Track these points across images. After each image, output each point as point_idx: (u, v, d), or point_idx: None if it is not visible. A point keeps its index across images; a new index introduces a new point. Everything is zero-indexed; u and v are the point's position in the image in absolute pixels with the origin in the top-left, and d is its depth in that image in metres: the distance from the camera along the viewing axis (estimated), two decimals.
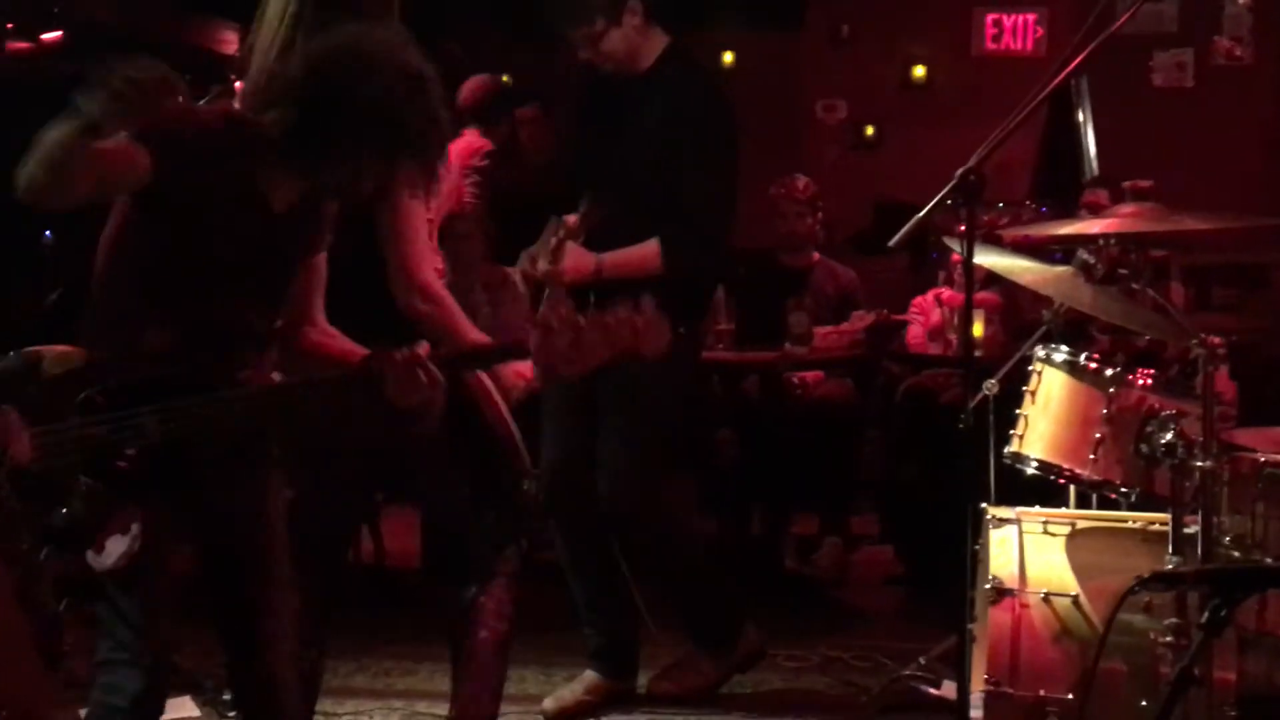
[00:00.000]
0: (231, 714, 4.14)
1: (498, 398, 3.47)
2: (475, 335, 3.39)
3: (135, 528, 2.72)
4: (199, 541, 2.93)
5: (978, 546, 3.62)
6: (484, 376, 3.44)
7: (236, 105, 3.22)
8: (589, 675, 4.47)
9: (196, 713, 4.28)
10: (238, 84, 3.49)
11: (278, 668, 2.93)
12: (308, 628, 3.22)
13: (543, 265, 4.18)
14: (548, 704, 4.40)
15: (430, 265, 3.40)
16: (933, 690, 4.34)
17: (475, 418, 3.46)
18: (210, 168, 2.70)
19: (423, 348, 2.82)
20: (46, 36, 7.20)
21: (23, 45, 7.22)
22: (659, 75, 4.34)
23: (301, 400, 2.92)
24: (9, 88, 5.89)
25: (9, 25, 7.18)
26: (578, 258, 4.20)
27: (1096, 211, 5.72)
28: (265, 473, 2.94)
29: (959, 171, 3.12)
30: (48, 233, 6.79)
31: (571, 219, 4.20)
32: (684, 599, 4.62)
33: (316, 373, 2.93)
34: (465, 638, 3.55)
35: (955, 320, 6.13)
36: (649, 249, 4.25)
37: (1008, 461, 3.73)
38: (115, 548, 2.72)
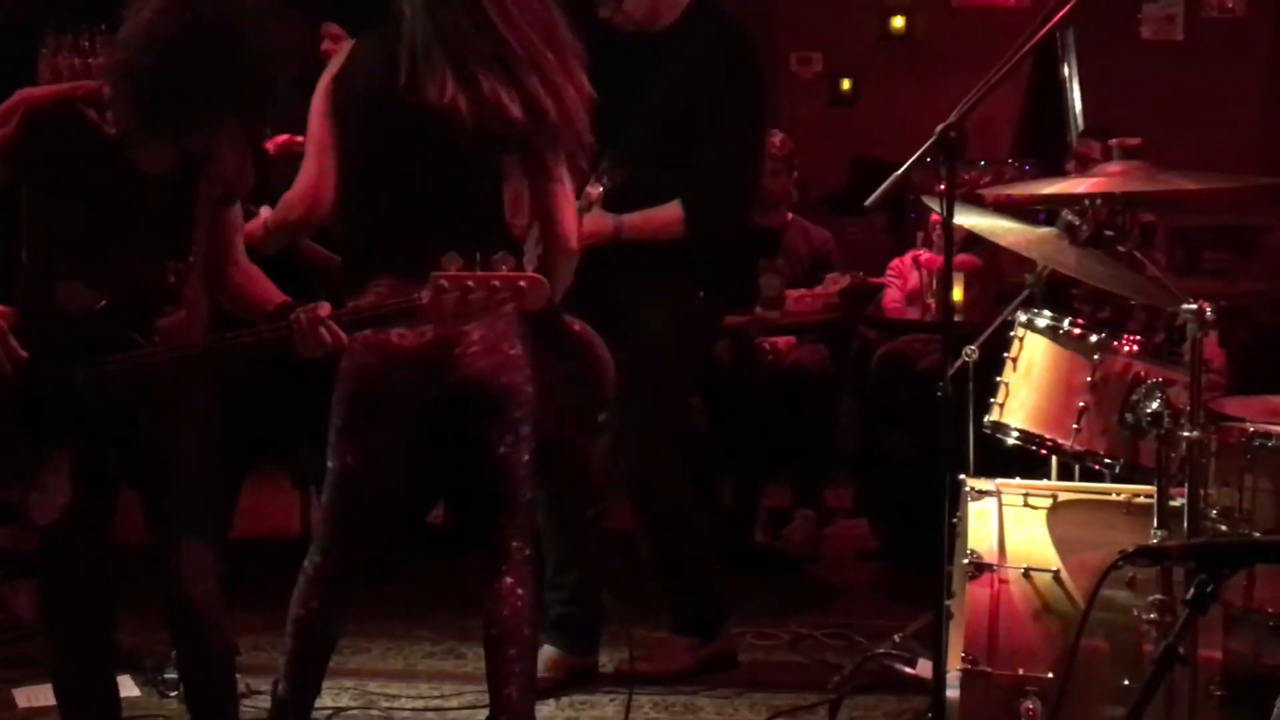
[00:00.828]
0: (173, 693, 4.15)
1: (600, 348, 3.69)
2: None
3: (65, 478, 3.11)
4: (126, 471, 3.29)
5: (956, 520, 3.63)
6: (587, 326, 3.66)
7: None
8: (547, 650, 4.44)
9: (136, 692, 4.28)
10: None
11: (188, 587, 3.24)
12: (337, 592, 3.56)
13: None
14: None
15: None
16: (908, 669, 4.36)
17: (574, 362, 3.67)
18: (67, 140, 3.10)
19: (324, 309, 3.14)
20: None
21: None
22: (682, 32, 4.37)
23: (220, 357, 3.22)
24: None
25: None
26: (596, 220, 4.24)
27: (1087, 165, 5.75)
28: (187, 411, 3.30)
29: (939, 127, 3.13)
30: None
31: (594, 190, 4.20)
32: (683, 579, 4.66)
33: (232, 331, 3.27)
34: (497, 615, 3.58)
35: (934, 284, 6.14)
36: (671, 211, 4.30)
37: (987, 431, 3.76)
38: (49, 499, 3.10)
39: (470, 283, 3.04)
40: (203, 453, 3.33)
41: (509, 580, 3.55)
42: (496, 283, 3.05)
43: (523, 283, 3.07)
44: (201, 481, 3.33)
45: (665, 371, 4.44)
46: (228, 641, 3.39)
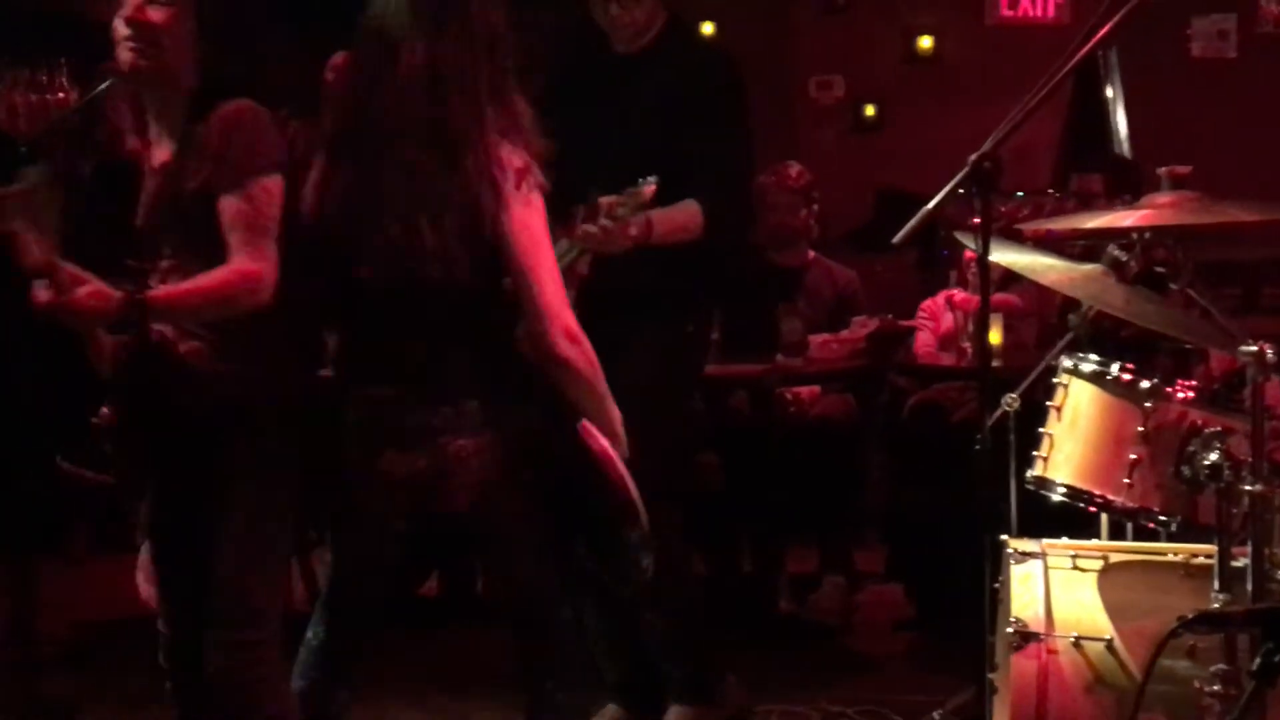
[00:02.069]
0: None
1: (617, 459, 3.53)
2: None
3: None
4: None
5: (998, 584, 3.62)
6: (602, 438, 3.52)
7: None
8: (611, 710, 4.63)
9: None
10: None
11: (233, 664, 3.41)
12: (340, 664, 3.62)
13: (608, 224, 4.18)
14: None
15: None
16: None
17: (584, 480, 3.55)
18: None
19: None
20: None
21: None
22: (663, 49, 4.56)
23: None
24: None
25: None
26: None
27: (1087, 201, 5.76)
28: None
29: (972, 157, 3.14)
30: None
31: (649, 189, 4.18)
32: (676, 640, 4.68)
33: None
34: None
35: (970, 326, 6.14)
36: (690, 210, 4.40)
37: (1030, 487, 3.74)
38: None
39: None
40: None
41: None
42: None
43: None
44: None
45: (661, 413, 4.45)
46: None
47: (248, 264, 3.31)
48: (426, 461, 3.44)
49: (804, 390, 6.22)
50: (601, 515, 3.53)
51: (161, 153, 3.47)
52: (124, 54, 3.39)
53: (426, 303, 3.45)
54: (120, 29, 3.38)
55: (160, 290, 3.29)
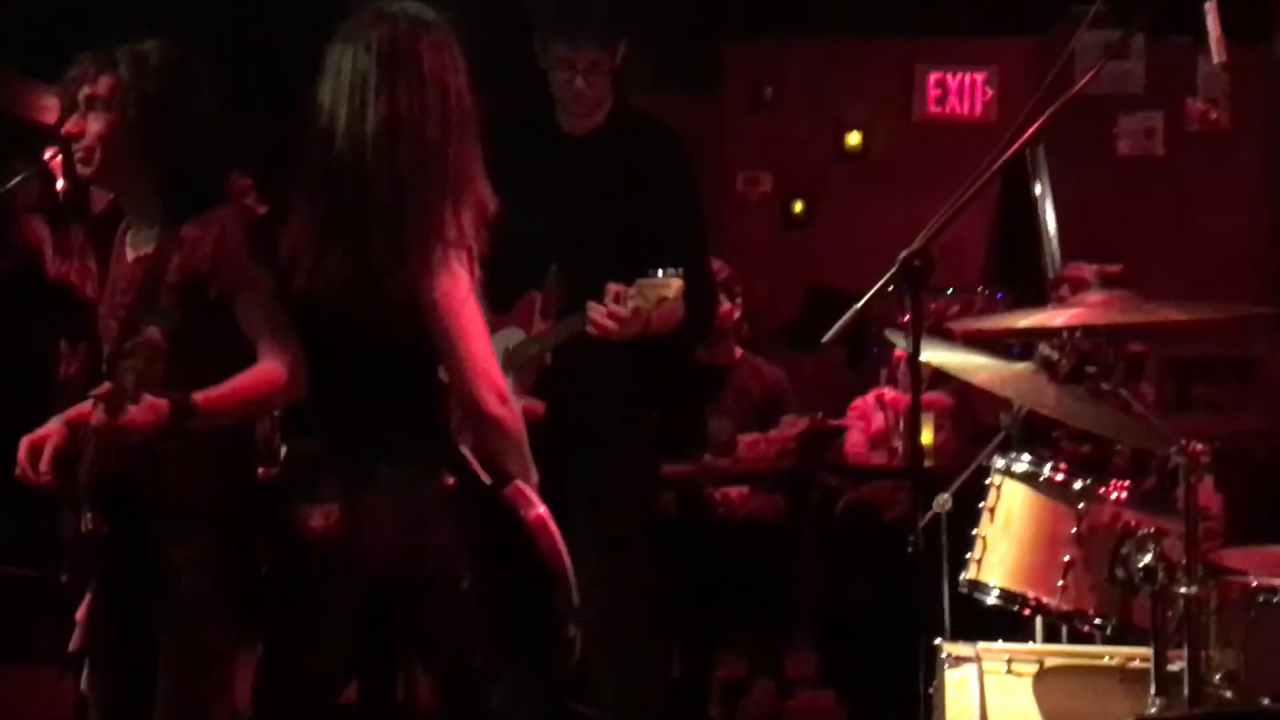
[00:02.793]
0: None
1: (551, 524, 3.51)
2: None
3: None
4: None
5: (932, 690, 3.61)
6: (538, 502, 3.50)
7: (59, 183, 3.39)
8: None
9: None
10: (55, 159, 3.61)
11: None
12: None
13: (624, 311, 4.15)
14: None
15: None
16: None
17: (523, 554, 3.51)
18: None
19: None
20: None
21: None
22: (614, 127, 4.56)
23: None
24: None
25: None
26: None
27: (1080, 290, 5.80)
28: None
29: (903, 254, 3.15)
30: None
31: (677, 282, 4.13)
32: None
33: None
34: None
35: (901, 425, 6.16)
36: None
37: (964, 590, 3.74)
38: None
39: None
40: None
41: None
42: None
43: None
44: None
45: (641, 505, 4.55)
46: None
47: (279, 362, 3.40)
48: (339, 516, 3.40)
49: (733, 491, 6.21)
50: (530, 583, 3.50)
51: (139, 248, 3.52)
52: (71, 163, 3.43)
53: (358, 360, 3.45)
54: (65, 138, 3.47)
55: (202, 395, 3.32)
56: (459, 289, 3.43)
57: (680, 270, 4.10)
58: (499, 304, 4.30)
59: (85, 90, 3.44)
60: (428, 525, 3.43)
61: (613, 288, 4.13)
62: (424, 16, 3.47)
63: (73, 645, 3.52)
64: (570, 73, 4.47)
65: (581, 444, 4.23)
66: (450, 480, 3.46)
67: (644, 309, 4.08)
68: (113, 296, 3.56)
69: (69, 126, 3.44)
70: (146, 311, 3.37)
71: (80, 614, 3.54)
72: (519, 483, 3.49)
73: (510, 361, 4.32)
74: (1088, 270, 6.12)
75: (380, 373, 3.48)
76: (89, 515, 3.42)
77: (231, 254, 3.41)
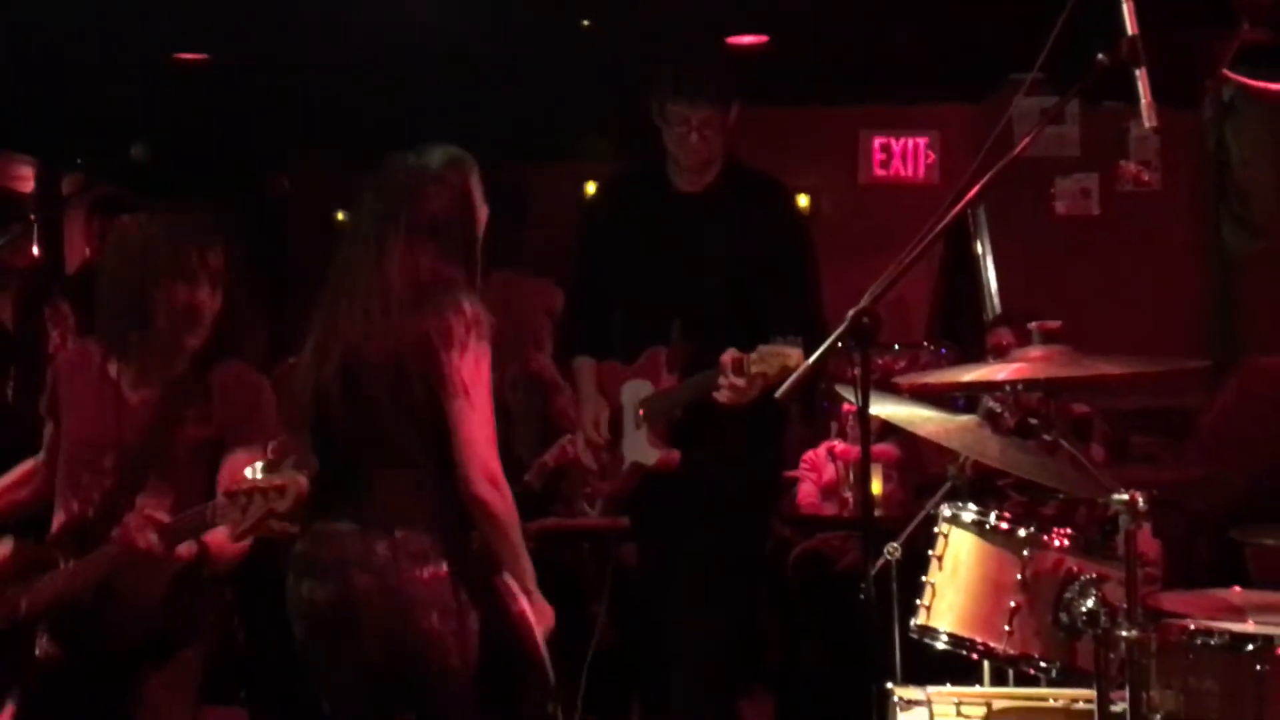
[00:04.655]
0: None
1: (531, 619, 3.50)
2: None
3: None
4: None
5: None
6: (521, 596, 3.48)
7: (35, 248, 3.39)
8: None
9: None
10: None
11: None
12: None
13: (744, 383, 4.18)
14: None
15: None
16: None
17: (505, 642, 3.49)
18: None
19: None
20: None
21: None
22: (729, 184, 4.59)
23: None
24: None
25: None
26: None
27: (1002, 354, 5.83)
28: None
29: (851, 312, 3.16)
30: None
31: (797, 353, 4.14)
32: None
33: None
34: None
35: (851, 477, 6.18)
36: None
37: (914, 635, 3.74)
38: None
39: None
40: None
41: None
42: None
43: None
44: None
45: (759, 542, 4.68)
46: None
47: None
48: (334, 591, 3.38)
49: None
50: (513, 674, 3.48)
51: (141, 391, 3.59)
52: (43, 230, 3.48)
53: (367, 443, 3.44)
54: None
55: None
56: (473, 366, 3.43)
57: (800, 339, 4.11)
58: (626, 356, 4.45)
59: None
60: (416, 610, 3.41)
61: (736, 357, 4.16)
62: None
63: None
64: (685, 128, 4.49)
65: (703, 492, 4.34)
66: (444, 569, 3.43)
67: (768, 374, 4.09)
68: (97, 426, 3.58)
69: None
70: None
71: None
72: (505, 575, 3.46)
73: (646, 414, 4.35)
74: (1005, 337, 6.19)
75: (390, 456, 3.46)
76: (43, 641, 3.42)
77: (246, 407, 3.56)
